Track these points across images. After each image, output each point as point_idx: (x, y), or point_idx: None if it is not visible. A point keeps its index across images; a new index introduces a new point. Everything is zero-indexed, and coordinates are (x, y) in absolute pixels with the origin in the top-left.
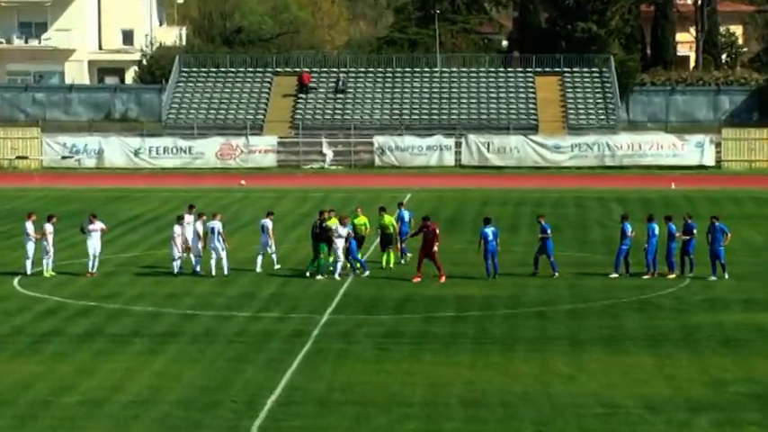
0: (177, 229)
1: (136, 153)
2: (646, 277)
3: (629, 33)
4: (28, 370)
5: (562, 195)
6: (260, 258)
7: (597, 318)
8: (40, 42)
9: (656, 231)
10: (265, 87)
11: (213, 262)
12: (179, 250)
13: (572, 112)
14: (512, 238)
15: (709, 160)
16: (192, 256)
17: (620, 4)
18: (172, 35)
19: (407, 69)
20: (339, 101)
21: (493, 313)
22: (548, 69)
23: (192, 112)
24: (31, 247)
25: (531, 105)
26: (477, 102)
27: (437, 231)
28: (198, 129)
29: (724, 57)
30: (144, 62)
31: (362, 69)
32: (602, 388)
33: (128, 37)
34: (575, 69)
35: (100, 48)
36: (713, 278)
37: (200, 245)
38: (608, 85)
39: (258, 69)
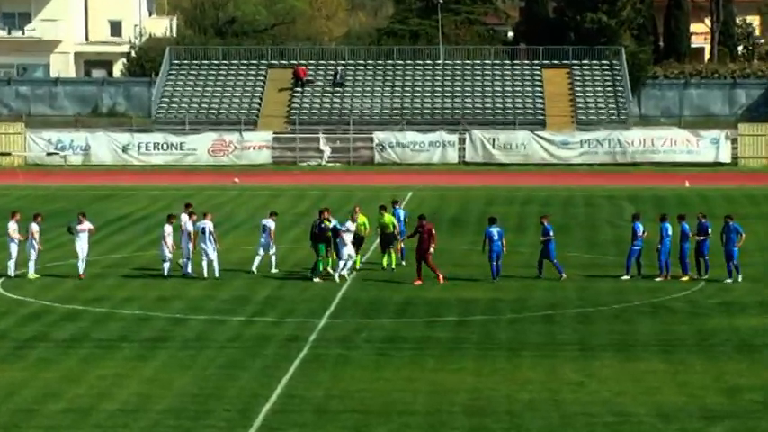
0: (167, 228)
1: (124, 149)
2: (658, 279)
3: (641, 24)
4: (11, 377)
5: (571, 194)
6: (258, 259)
7: (608, 322)
8: (23, 34)
9: (670, 231)
10: (260, 81)
11: (204, 264)
12: (170, 251)
13: (581, 106)
14: (518, 238)
15: (725, 157)
16: (184, 258)
17: None
18: (162, 26)
19: (409, 62)
20: (337, 95)
21: (498, 317)
22: (556, 62)
23: (184, 106)
24: (14, 248)
25: (539, 99)
26: (482, 96)
27: (433, 231)
28: (189, 124)
29: (740, 48)
30: (133, 54)
31: (362, 62)
32: (613, 395)
33: (116, 28)
34: (584, 62)
35: (86, 39)
36: (729, 281)
37: (190, 246)
38: (619, 78)
39: (252, 62)
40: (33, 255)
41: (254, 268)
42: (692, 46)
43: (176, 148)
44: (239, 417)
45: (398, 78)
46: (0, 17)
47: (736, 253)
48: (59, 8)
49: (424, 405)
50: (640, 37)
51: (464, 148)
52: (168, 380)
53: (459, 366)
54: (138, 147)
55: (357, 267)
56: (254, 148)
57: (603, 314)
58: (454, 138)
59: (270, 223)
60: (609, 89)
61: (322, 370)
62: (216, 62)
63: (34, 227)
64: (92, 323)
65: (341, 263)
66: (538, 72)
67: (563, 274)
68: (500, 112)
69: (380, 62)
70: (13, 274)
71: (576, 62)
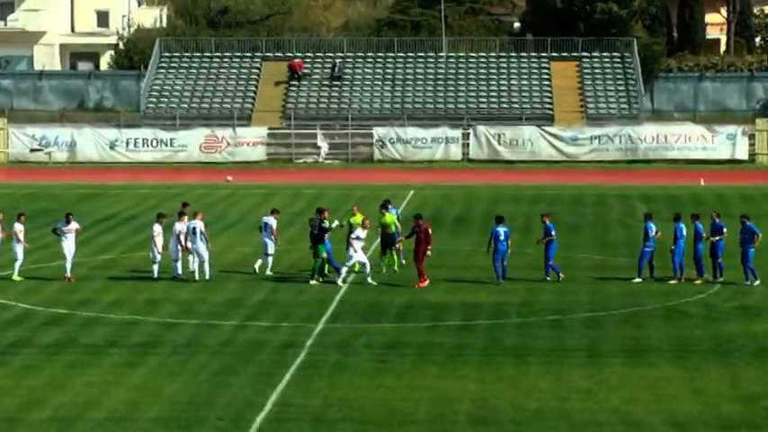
0: (157, 228)
1: (112, 146)
2: (672, 282)
3: (654, 14)
4: None
5: (580, 192)
6: (261, 260)
7: (618, 327)
8: (6, 24)
9: (684, 232)
10: (254, 74)
11: (196, 265)
12: (159, 252)
13: (591, 100)
14: (525, 239)
15: (742, 154)
16: (172, 260)
17: None
18: (151, 16)
19: (410, 54)
20: (335, 89)
21: (504, 322)
22: (564, 54)
23: (174, 101)
24: None
25: (546, 93)
26: (487, 89)
27: (429, 232)
28: (180, 119)
29: (758, 40)
30: (121, 46)
31: (361, 54)
32: (624, 404)
33: (103, 18)
34: (594, 54)
35: (72, 30)
36: (747, 283)
37: (179, 247)
38: (630, 71)
39: (246, 54)
40: (20, 256)
41: (257, 269)
42: (708, 37)
43: (166, 145)
44: (232, 426)
45: (399, 71)
46: None
47: (751, 254)
48: None
49: (426, 414)
50: (653, 28)
51: (468, 145)
52: (158, 387)
53: (462, 373)
54: (127, 143)
55: (356, 270)
56: (247, 145)
57: (614, 318)
58: (458, 133)
59: (271, 221)
60: (620, 83)
61: (319, 377)
62: (208, 54)
63: (18, 226)
64: (78, 328)
65: (344, 269)
66: (546, 65)
67: (561, 275)
68: (506, 106)
69: (380, 54)
70: None
71: (585, 54)
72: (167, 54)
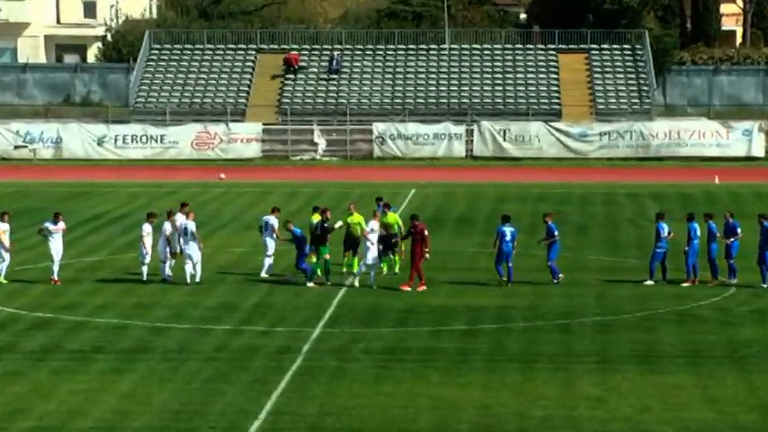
0: (146, 227)
1: (99, 142)
2: (685, 285)
3: (667, 4)
4: None
5: (589, 191)
6: (268, 262)
7: (629, 331)
8: None
9: (698, 232)
10: (248, 67)
11: (188, 267)
12: (148, 252)
13: (600, 95)
14: (531, 240)
15: (758, 150)
16: (160, 261)
17: None
18: (140, 7)
19: (411, 46)
20: (333, 82)
21: (509, 326)
22: (573, 46)
23: (164, 95)
24: None
25: (554, 87)
26: (492, 83)
27: (425, 233)
28: (171, 115)
29: None
30: (108, 38)
31: (360, 46)
32: (636, 412)
33: (90, 9)
34: (603, 46)
35: (58, 21)
36: (764, 286)
37: (167, 248)
38: (642, 64)
39: (240, 46)
40: (7, 256)
41: (263, 273)
42: (723, 29)
43: (156, 141)
44: None
45: (400, 64)
46: None
47: (767, 256)
48: None
49: (427, 422)
50: (665, 19)
51: (472, 141)
52: (147, 395)
53: (466, 380)
54: (115, 139)
55: (355, 271)
56: (241, 141)
57: (625, 323)
58: (461, 129)
59: (272, 220)
60: (631, 76)
61: (316, 384)
62: (200, 47)
63: (2, 226)
64: (64, 332)
65: (363, 267)
66: (553, 57)
67: (560, 275)
68: (511, 101)
69: (380, 47)
70: None
71: (594, 46)
72: (157, 46)
